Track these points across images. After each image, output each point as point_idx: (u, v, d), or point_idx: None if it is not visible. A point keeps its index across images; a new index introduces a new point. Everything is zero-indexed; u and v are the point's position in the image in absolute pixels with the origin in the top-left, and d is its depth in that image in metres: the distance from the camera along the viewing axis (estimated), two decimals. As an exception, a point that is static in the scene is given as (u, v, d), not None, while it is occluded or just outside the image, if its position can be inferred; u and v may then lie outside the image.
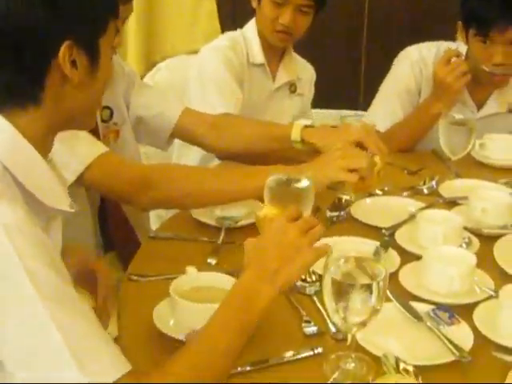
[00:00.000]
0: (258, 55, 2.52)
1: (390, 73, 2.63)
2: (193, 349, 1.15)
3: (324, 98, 3.11)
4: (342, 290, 1.23)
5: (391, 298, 1.46)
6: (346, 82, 4.25)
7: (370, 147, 1.84)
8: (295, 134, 1.98)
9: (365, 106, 2.84)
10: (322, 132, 1.99)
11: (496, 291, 1.52)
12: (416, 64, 2.56)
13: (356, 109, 4.13)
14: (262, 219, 1.45)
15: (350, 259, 1.29)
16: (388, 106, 2.57)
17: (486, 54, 2.35)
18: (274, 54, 2.57)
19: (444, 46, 2.56)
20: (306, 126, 2.01)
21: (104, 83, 1.24)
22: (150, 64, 3.33)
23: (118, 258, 2.03)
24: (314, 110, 2.86)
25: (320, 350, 1.36)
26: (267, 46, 2.52)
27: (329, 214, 1.91)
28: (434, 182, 2.14)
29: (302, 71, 2.69)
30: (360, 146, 1.85)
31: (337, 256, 1.27)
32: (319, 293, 1.53)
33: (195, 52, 2.65)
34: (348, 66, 4.28)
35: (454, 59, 2.37)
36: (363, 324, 1.26)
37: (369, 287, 1.22)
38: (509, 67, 2.37)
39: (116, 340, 1.31)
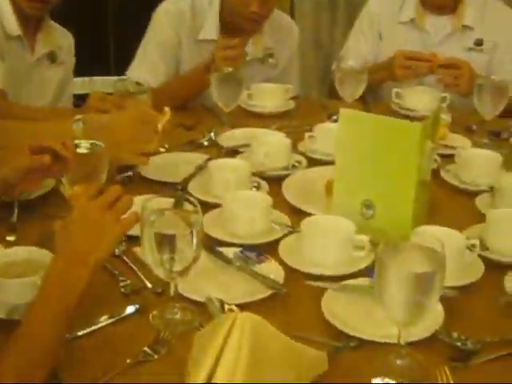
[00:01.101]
0: (14, 27, 2.41)
1: (149, 27, 2.64)
2: (15, 350, 1.12)
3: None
4: (164, 242, 1.25)
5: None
6: (96, 47, 4.19)
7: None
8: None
9: (117, 70, 2.82)
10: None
11: (293, 227, 1.62)
12: (174, 16, 2.61)
13: (109, 74, 4.10)
14: (71, 197, 1.43)
15: (163, 212, 1.31)
16: (149, 60, 2.60)
17: (242, 3, 2.45)
18: (30, 23, 2.47)
19: None
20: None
21: None
22: None
23: None
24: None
25: (140, 305, 1.38)
26: (22, 17, 2.42)
27: (118, 176, 1.90)
28: (212, 135, 2.20)
29: (62, 39, 2.62)
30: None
31: (150, 211, 1.29)
32: (127, 252, 1.55)
33: None
34: (96, 30, 4.22)
35: (235, 42, 2.41)
36: (186, 272, 1.29)
37: (190, 235, 1.26)
38: (264, 14, 2.50)
39: None
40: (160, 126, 1.82)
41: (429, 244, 1.21)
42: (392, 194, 1.61)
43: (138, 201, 1.33)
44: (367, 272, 1.45)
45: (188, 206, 1.32)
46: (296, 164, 1.99)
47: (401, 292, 1.15)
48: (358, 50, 2.79)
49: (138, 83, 2.19)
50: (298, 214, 1.70)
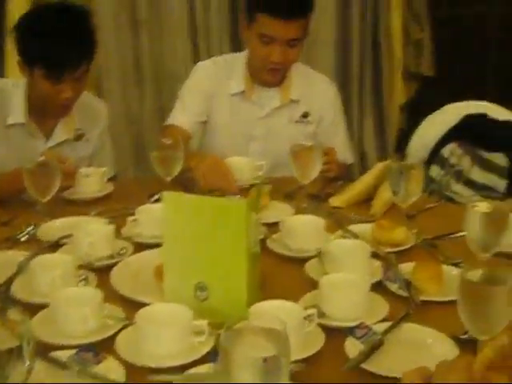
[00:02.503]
0: None
1: None
2: None
3: None
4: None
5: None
6: None
7: None
8: None
9: None
10: None
11: (128, 319, 1.56)
12: None
13: None
14: None
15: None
16: None
17: (54, 91, 2.40)
18: None
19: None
20: None
21: None
22: None
23: None
24: None
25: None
26: None
27: None
28: (30, 228, 2.10)
29: None
30: None
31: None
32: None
33: None
34: None
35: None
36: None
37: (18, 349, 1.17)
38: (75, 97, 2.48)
39: None
40: None
41: (269, 324, 1.20)
42: (224, 273, 1.59)
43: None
44: (210, 357, 1.42)
45: (13, 314, 1.23)
46: (122, 251, 1.94)
47: (247, 377, 1.12)
48: (193, 107, 2.82)
49: None
50: (131, 305, 1.64)
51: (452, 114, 2.87)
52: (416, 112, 4.42)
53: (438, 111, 2.95)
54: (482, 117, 2.79)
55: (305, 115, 2.84)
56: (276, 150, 2.71)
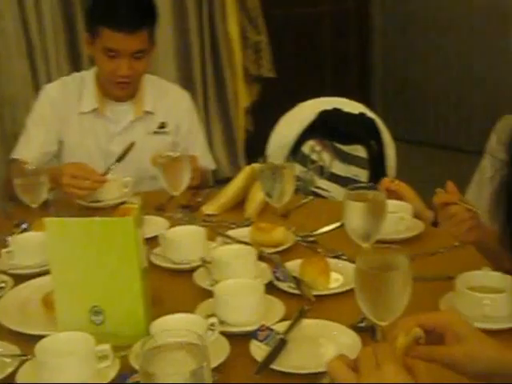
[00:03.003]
0: None
1: None
2: None
3: None
4: None
5: None
6: None
7: None
8: None
9: None
10: None
11: (25, 354, 1.51)
12: None
13: None
14: None
15: None
16: None
17: None
18: None
19: None
20: None
21: None
22: None
23: None
24: None
25: None
26: None
27: None
28: None
29: None
30: None
31: None
32: None
33: None
34: None
35: None
36: None
37: None
38: None
39: None
40: None
41: (186, 338, 1.19)
42: (119, 294, 1.57)
43: None
44: (120, 379, 1.40)
45: None
46: (1, 284, 1.86)
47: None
48: (38, 138, 2.73)
49: None
50: (24, 339, 1.58)
51: (307, 110, 2.96)
52: (261, 113, 4.53)
53: (293, 109, 3.02)
54: (337, 111, 2.90)
55: (162, 126, 2.84)
56: (137, 164, 2.68)
